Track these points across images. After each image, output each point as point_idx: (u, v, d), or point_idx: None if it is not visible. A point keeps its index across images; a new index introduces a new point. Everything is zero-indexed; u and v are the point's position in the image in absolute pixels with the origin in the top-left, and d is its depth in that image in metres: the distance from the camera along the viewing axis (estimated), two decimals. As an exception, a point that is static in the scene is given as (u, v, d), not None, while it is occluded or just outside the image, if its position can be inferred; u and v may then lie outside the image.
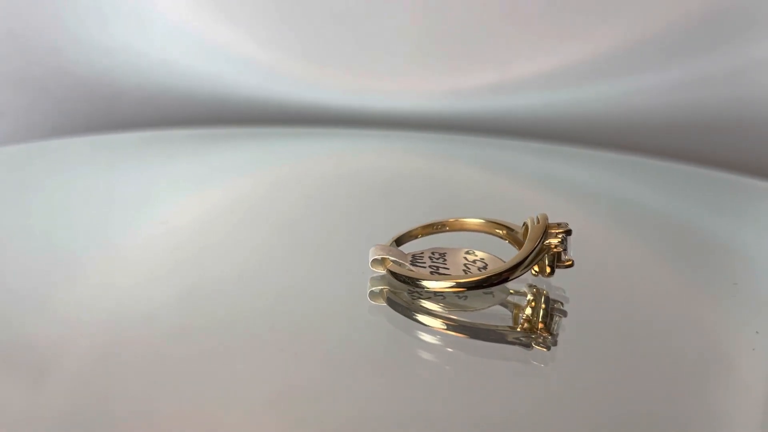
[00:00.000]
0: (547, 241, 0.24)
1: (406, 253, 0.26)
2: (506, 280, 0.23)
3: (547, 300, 0.25)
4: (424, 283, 0.24)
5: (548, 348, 0.22)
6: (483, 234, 0.27)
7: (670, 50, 0.48)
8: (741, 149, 0.49)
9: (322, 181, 0.42)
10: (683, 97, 0.49)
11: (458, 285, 0.23)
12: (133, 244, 0.31)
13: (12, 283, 0.26)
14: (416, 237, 0.27)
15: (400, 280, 0.24)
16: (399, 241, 0.27)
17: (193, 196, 0.39)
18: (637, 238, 0.34)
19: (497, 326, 0.23)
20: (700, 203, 0.41)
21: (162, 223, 0.28)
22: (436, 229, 0.28)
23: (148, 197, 0.38)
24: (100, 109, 0.55)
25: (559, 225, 0.24)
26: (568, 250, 0.25)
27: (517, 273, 0.23)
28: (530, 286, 0.25)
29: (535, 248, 0.24)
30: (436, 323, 0.23)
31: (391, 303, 0.24)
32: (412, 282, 0.24)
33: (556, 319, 0.23)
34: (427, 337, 0.23)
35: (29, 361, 0.21)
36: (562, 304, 0.24)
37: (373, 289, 0.25)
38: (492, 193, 0.42)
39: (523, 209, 0.37)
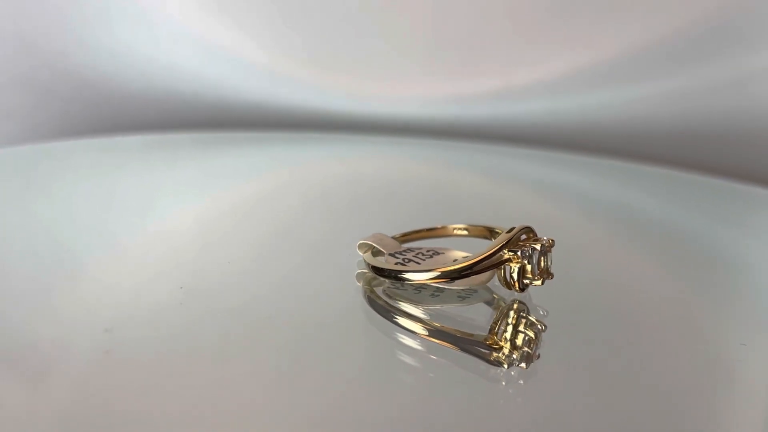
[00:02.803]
0: (507, 251, 0.22)
1: (405, 247, 0.26)
2: (452, 278, 0.23)
3: (519, 316, 0.23)
4: (376, 264, 0.24)
5: (507, 365, 0.20)
6: (479, 240, 0.27)
7: (673, 59, 0.48)
8: (744, 158, 0.49)
9: (325, 186, 0.42)
10: (686, 105, 0.49)
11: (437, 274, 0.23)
12: (137, 245, 0.31)
13: (15, 283, 0.26)
14: (411, 241, 0.28)
15: (367, 263, 0.25)
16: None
17: (196, 200, 0.39)
18: (638, 246, 0.34)
19: (472, 335, 0.22)
20: (703, 211, 0.41)
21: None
22: (426, 234, 0.28)
23: (151, 200, 0.38)
24: (106, 112, 0.55)
25: (537, 239, 0.23)
26: (542, 266, 0.23)
27: (457, 277, 0.23)
28: (515, 300, 0.24)
29: (485, 256, 0.22)
30: (409, 324, 0.23)
31: (371, 301, 0.24)
32: (372, 269, 0.25)
33: (525, 336, 0.22)
34: (402, 339, 0.22)
35: (32, 361, 0.21)
36: (542, 326, 0.23)
37: (359, 271, 0.26)
38: (494, 199, 0.42)
39: (525, 217, 0.37)
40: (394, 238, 0.27)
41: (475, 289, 0.25)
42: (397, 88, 0.53)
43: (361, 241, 0.26)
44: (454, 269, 0.23)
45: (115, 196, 0.38)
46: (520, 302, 0.24)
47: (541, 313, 0.24)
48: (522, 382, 0.20)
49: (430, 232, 0.28)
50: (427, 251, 0.26)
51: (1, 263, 0.28)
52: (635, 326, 0.25)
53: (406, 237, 0.28)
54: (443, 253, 0.26)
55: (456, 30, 0.51)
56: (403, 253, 0.25)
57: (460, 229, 0.28)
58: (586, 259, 0.31)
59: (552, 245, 0.23)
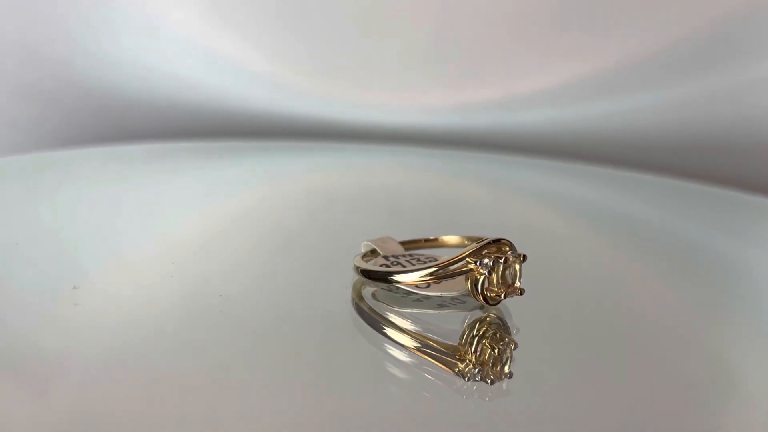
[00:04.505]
0: (471, 261, 0.22)
1: (407, 253, 0.26)
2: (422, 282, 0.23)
3: (487, 330, 0.23)
4: (357, 265, 0.25)
5: (468, 378, 0.20)
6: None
7: (675, 69, 0.48)
8: (746, 167, 0.49)
9: (327, 196, 0.43)
10: (688, 115, 0.49)
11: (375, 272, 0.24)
12: (140, 254, 0.31)
13: (19, 292, 0.27)
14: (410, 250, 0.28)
15: (355, 266, 0.25)
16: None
17: (199, 208, 0.39)
18: (640, 256, 0.34)
19: (445, 344, 0.22)
20: (705, 221, 0.41)
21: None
22: (424, 244, 0.28)
23: (155, 209, 0.39)
24: (110, 121, 0.55)
25: (502, 252, 0.22)
26: (507, 280, 0.22)
27: (413, 284, 0.23)
28: (489, 313, 0.24)
29: (444, 264, 0.22)
30: (388, 328, 0.23)
31: (356, 304, 0.25)
32: (357, 270, 0.25)
33: (491, 351, 0.21)
34: (381, 342, 0.22)
35: (36, 370, 0.21)
36: (512, 343, 0.22)
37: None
38: (496, 209, 0.42)
39: (526, 226, 0.37)
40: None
41: (462, 300, 0.24)
42: (399, 97, 0.53)
43: (366, 242, 0.27)
44: (419, 276, 0.23)
45: (118, 204, 0.39)
46: (494, 315, 0.24)
47: (514, 331, 0.23)
48: (488, 398, 0.20)
49: (428, 243, 0.28)
50: (426, 258, 0.26)
51: (4, 272, 0.29)
52: (633, 340, 0.24)
53: (405, 246, 0.28)
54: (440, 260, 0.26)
55: (458, 40, 0.51)
56: (397, 257, 0.25)
57: (468, 239, 0.28)
58: (586, 269, 0.31)
59: (521, 260, 0.23)
